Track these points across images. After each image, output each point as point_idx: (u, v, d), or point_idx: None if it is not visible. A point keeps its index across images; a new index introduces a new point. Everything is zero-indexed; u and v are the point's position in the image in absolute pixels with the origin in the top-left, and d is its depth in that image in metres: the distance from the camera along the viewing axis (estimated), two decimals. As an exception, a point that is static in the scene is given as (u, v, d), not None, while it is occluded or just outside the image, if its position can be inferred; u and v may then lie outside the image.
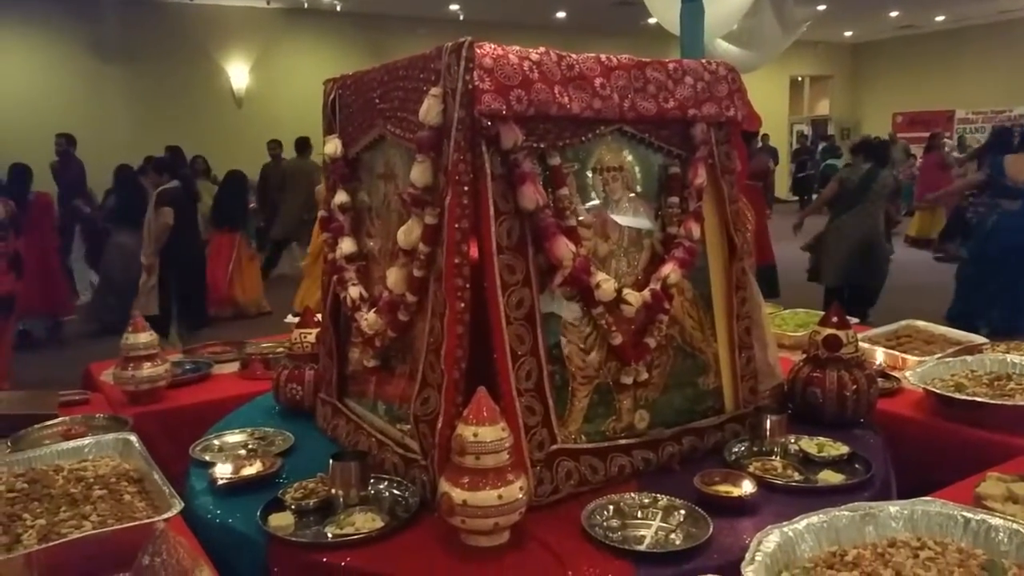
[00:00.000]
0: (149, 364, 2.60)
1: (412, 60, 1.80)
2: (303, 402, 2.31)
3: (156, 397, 2.63)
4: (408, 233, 1.73)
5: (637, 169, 1.94)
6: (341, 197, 2.07)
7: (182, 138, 11.49)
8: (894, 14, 18.38)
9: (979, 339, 2.80)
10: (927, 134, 14.94)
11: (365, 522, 1.63)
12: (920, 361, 2.56)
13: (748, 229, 2.22)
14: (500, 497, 1.50)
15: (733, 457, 1.92)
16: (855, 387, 2.13)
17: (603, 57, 1.86)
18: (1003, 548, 1.40)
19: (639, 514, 1.67)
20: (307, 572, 1.57)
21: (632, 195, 1.93)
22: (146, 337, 2.61)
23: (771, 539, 1.41)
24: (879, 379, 2.51)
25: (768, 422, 1.96)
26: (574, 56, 1.80)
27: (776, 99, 21.89)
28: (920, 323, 3.01)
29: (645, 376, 1.90)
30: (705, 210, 2.06)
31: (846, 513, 1.51)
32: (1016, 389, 2.26)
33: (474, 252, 1.67)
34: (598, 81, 1.81)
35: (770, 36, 15.44)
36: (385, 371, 1.98)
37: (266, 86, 14.80)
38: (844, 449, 1.92)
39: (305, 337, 2.36)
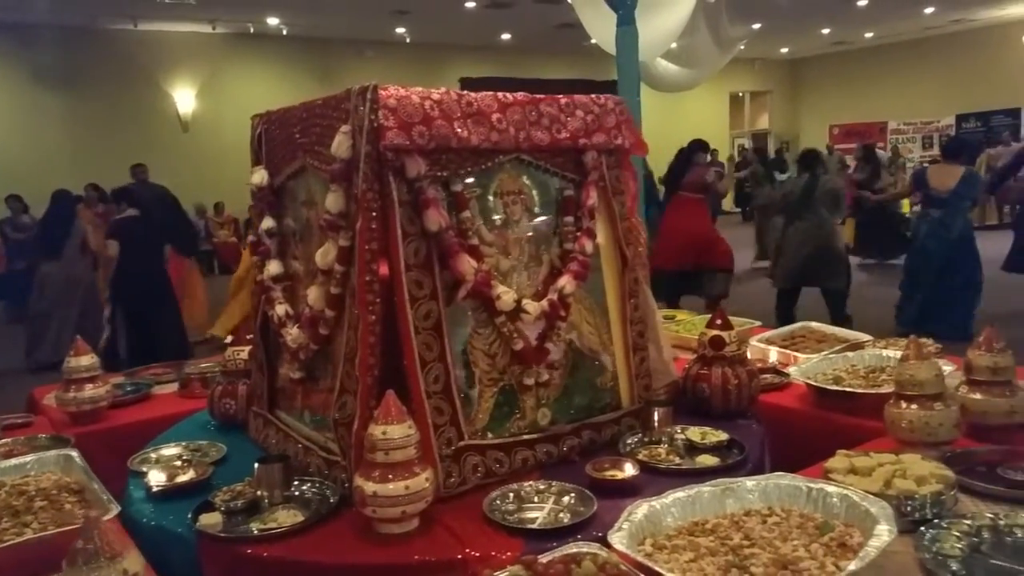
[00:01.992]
0: (91, 386, 2.73)
1: (327, 100, 2.00)
2: (236, 416, 2.47)
3: (97, 417, 2.76)
4: (325, 255, 1.93)
5: (535, 192, 2.16)
6: (268, 223, 2.25)
7: (127, 162, 11.51)
8: (826, 31, 19.09)
9: (865, 337, 3.07)
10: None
11: (287, 518, 1.81)
12: (807, 358, 2.81)
13: (641, 243, 2.45)
14: (407, 488, 1.69)
15: (627, 447, 2.14)
16: (737, 382, 2.37)
17: (500, 95, 2.08)
18: (836, 511, 1.63)
19: (536, 498, 1.87)
20: (235, 565, 1.74)
21: (531, 216, 2.15)
22: (87, 360, 2.75)
23: (639, 511, 1.63)
24: (772, 375, 2.77)
25: (656, 414, 2.19)
26: (473, 95, 2.02)
27: (717, 114, 22.52)
28: (814, 324, 3.29)
29: (546, 377, 2.11)
30: (599, 228, 2.29)
31: (708, 488, 1.74)
32: (887, 380, 2.51)
33: (385, 270, 1.87)
34: (495, 116, 2.03)
35: (707, 54, 15.90)
36: (310, 382, 2.16)
37: (212, 110, 14.88)
38: (724, 436, 2.15)
39: (238, 354, 2.53)
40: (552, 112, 2.16)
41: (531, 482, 1.93)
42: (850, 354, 2.78)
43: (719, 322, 2.45)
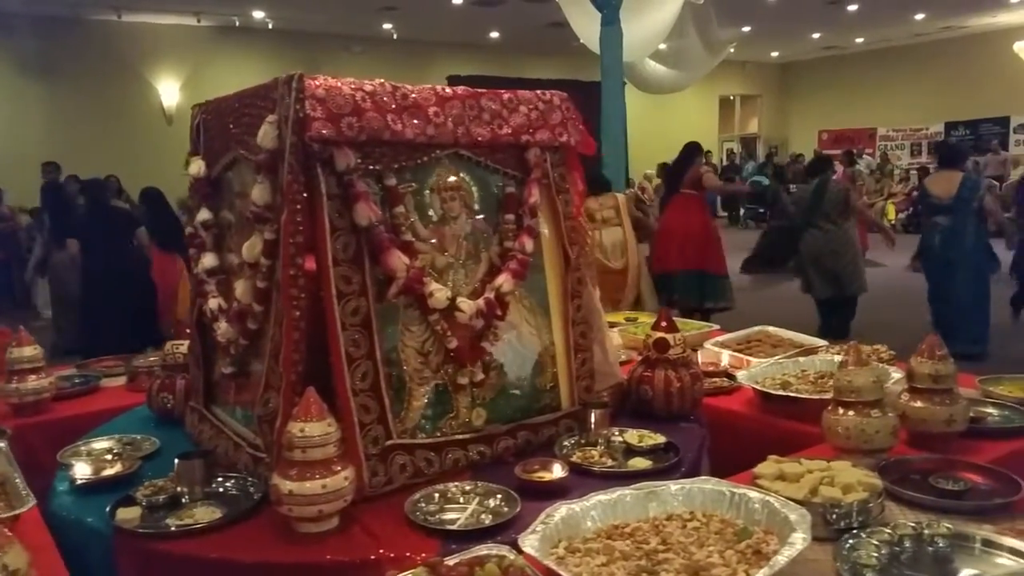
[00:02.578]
0: (34, 377, 2.68)
1: (257, 89, 1.96)
2: (174, 410, 2.44)
3: (40, 409, 2.71)
4: (251, 248, 1.90)
5: (475, 189, 2.13)
6: (204, 215, 2.21)
7: (111, 155, 11.46)
8: (816, 35, 19.12)
9: (819, 342, 3.05)
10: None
11: (205, 514, 1.78)
12: (759, 362, 2.79)
13: (587, 244, 2.42)
14: (324, 487, 1.66)
15: (563, 449, 2.11)
16: (679, 384, 2.34)
17: (439, 88, 2.05)
18: (757, 516, 1.61)
19: (461, 499, 1.84)
20: (150, 561, 1.71)
21: (470, 212, 2.12)
22: (30, 351, 2.70)
23: (557, 514, 1.60)
24: (722, 379, 2.75)
25: (593, 416, 2.17)
26: (409, 87, 1.98)
27: (706, 117, 22.54)
28: (771, 328, 3.26)
29: (481, 377, 2.08)
30: (542, 226, 2.26)
31: (631, 492, 1.71)
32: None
33: (312, 265, 1.83)
34: (432, 110, 2.00)
35: (696, 57, 15.86)
36: (242, 377, 2.12)
37: (198, 103, 14.77)
38: (661, 439, 2.13)
39: (177, 348, 2.49)
40: (494, 107, 2.13)
41: (457, 483, 1.89)
42: (802, 359, 2.76)
43: (664, 324, 2.43)
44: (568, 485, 1.88)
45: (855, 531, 1.60)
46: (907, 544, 1.55)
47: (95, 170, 9.46)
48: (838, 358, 2.67)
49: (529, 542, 1.47)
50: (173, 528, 1.75)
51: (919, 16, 16.85)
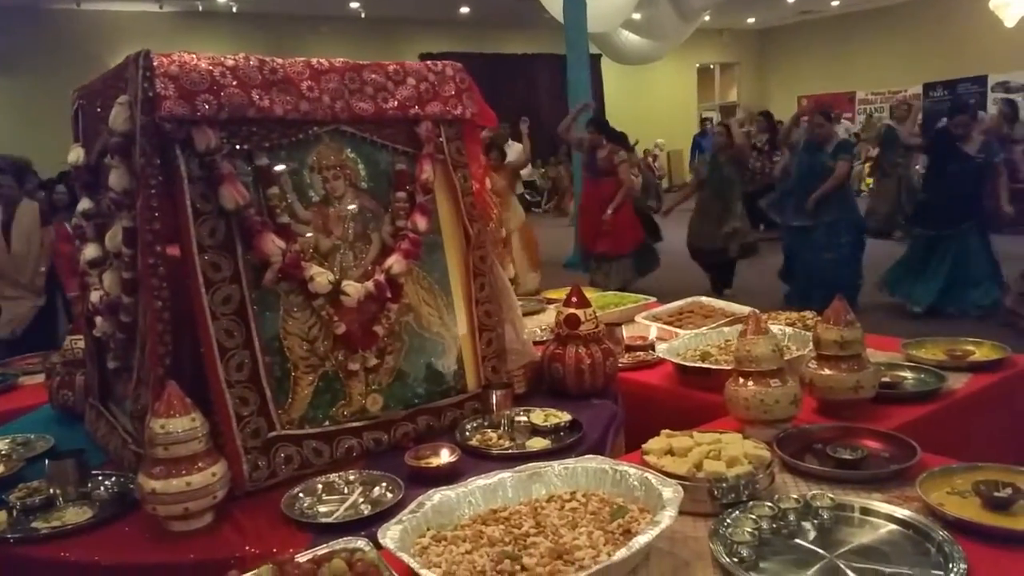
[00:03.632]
0: (-57, 376, 2.61)
1: (115, 69, 1.87)
2: (76, 407, 2.36)
3: (-49, 409, 2.64)
4: (113, 237, 1.82)
5: (361, 166, 2.04)
6: (85, 204, 2.12)
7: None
8: (791, 0, 18.94)
9: (747, 310, 2.98)
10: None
11: (75, 516, 1.71)
12: (684, 334, 2.72)
13: (492, 219, 2.35)
14: (189, 484, 1.59)
15: (464, 432, 2.04)
16: (590, 361, 2.27)
17: (314, 61, 1.95)
18: (636, 494, 1.55)
19: (345, 490, 1.77)
20: (14, 565, 1.64)
21: (357, 191, 2.03)
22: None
23: (429, 502, 1.54)
24: (646, 352, 2.69)
25: (494, 397, 2.10)
26: (280, 61, 1.89)
27: (684, 87, 22.38)
28: (704, 299, 3.20)
29: (374, 362, 2.00)
30: (440, 203, 2.18)
31: (513, 474, 1.65)
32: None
33: (175, 252, 1.75)
34: (305, 84, 1.90)
35: (670, 25, 15.67)
36: (125, 372, 2.04)
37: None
38: (566, 417, 2.06)
39: (76, 343, 2.41)
40: (378, 80, 2.04)
41: (342, 473, 1.83)
42: (726, 329, 2.69)
43: (575, 300, 2.35)
44: (462, 469, 1.82)
45: (738, 506, 1.54)
46: (791, 518, 1.50)
47: (57, 163, 9.28)
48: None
49: (389, 534, 1.41)
50: (43, 531, 1.68)
51: (892, -24, 16.70)
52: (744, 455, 1.65)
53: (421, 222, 2.07)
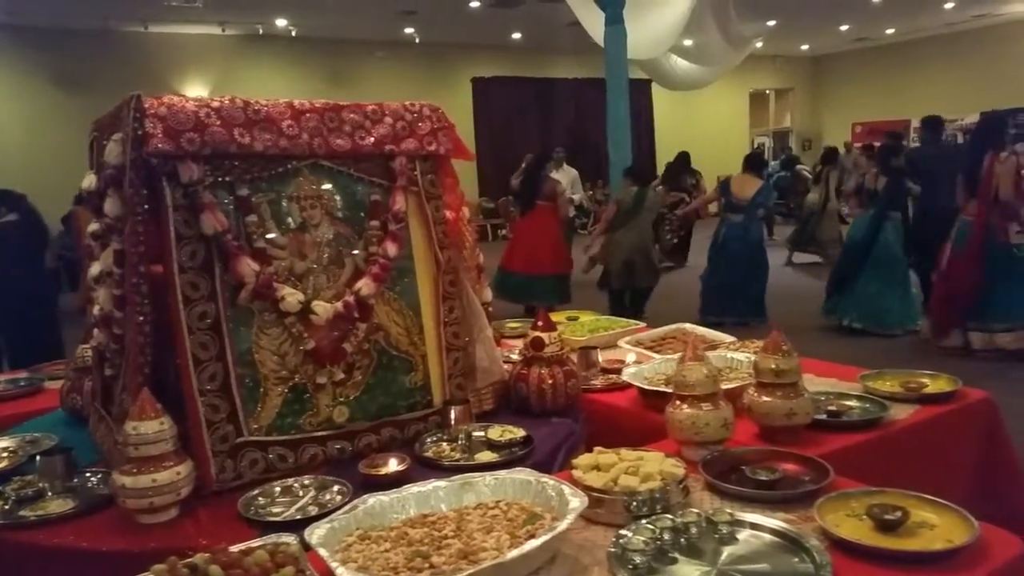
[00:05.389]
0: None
1: (116, 108, 2.09)
2: (84, 411, 2.58)
3: (-18, 409, 2.90)
4: (106, 257, 2.04)
5: (338, 197, 2.23)
6: (93, 226, 2.35)
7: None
8: (844, 28, 18.86)
9: (727, 339, 3.09)
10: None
11: (59, 507, 1.91)
12: (661, 358, 2.84)
13: (466, 247, 2.51)
14: (154, 480, 1.78)
15: (423, 445, 2.20)
16: (552, 382, 2.42)
17: (296, 102, 2.15)
18: (552, 503, 1.69)
19: (300, 493, 1.95)
20: (4, 549, 1.84)
21: (333, 219, 2.22)
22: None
23: (363, 504, 1.70)
24: (617, 375, 2.81)
25: (453, 413, 2.26)
26: (263, 102, 2.10)
27: (736, 112, 22.35)
28: (688, 326, 3.31)
29: (341, 376, 2.18)
30: (413, 231, 2.36)
31: (446, 483, 1.80)
32: (721, 380, 2.54)
33: (159, 271, 1.96)
34: (286, 123, 2.11)
35: (720, 52, 15.69)
36: (118, 380, 2.26)
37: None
38: (521, 433, 2.21)
39: (86, 352, 2.64)
40: (356, 119, 2.23)
41: (299, 478, 2.00)
42: (696, 356, 2.79)
43: (541, 324, 2.51)
44: (410, 478, 1.97)
45: (649, 518, 1.67)
46: (692, 531, 1.62)
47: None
48: (735, 355, 2.75)
49: (316, 531, 1.57)
50: (29, 519, 1.88)
51: (948, 5, 16.51)
52: (659, 472, 1.78)
53: (392, 248, 2.25)
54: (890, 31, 19.41)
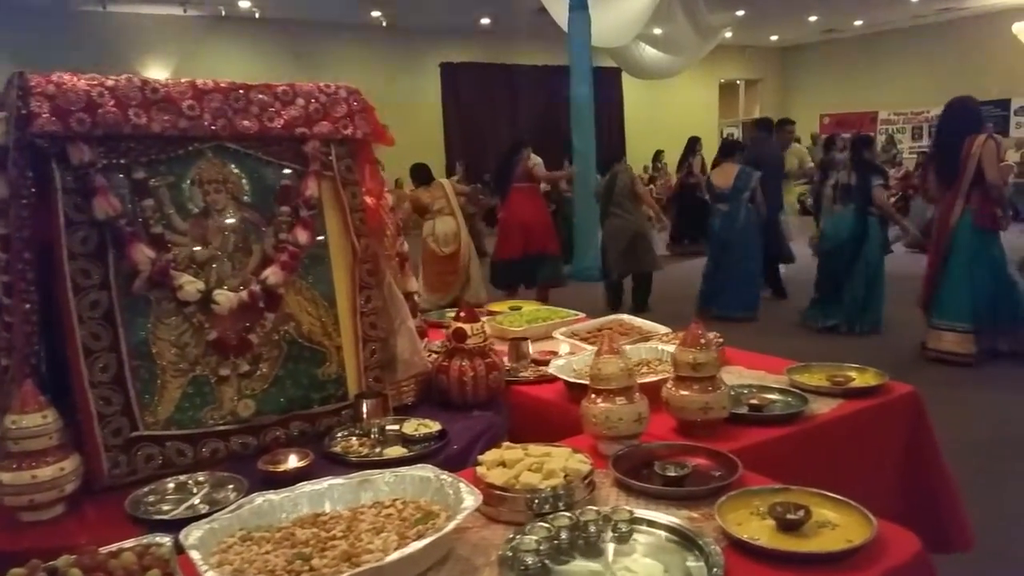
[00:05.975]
0: None
1: (7, 87, 1.99)
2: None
3: None
4: (-7, 243, 1.93)
5: (245, 181, 2.15)
6: None
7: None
8: (813, 18, 18.90)
9: (663, 330, 3.04)
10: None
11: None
12: (589, 350, 2.79)
13: (386, 235, 2.44)
14: (34, 477, 1.70)
15: (333, 439, 2.13)
16: (473, 374, 2.36)
17: (199, 82, 2.06)
18: (449, 501, 1.62)
19: (195, 490, 1.87)
20: None
21: (240, 204, 2.14)
22: None
23: (251, 503, 1.62)
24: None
25: (365, 406, 2.19)
26: (163, 81, 2.01)
27: (706, 103, 22.36)
28: (625, 317, 3.26)
29: (246, 368, 2.10)
30: (328, 218, 2.28)
31: (342, 481, 1.73)
32: (648, 372, 2.50)
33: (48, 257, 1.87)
34: (187, 103, 2.02)
35: (688, 42, 15.65)
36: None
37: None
38: (436, 427, 2.15)
39: None
40: (264, 100, 2.15)
41: (193, 474, 1.92)
42: (628, 347, 2.75)
43: (463, 315, 2.44)
44: (313, 474, 1.89)
45: (548, 516, 1.61)
46: (591, 529, 1.57)
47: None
48: (663, 346, 2.69)
49: (192, 532, 1.49)
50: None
51: (914, -2, 16.61)
52: (564, 468, 1.72)
53: (302, 236, 2.17)
54: (858, 23, 19.49)
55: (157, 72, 14.78)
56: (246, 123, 2.10)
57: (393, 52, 17.13)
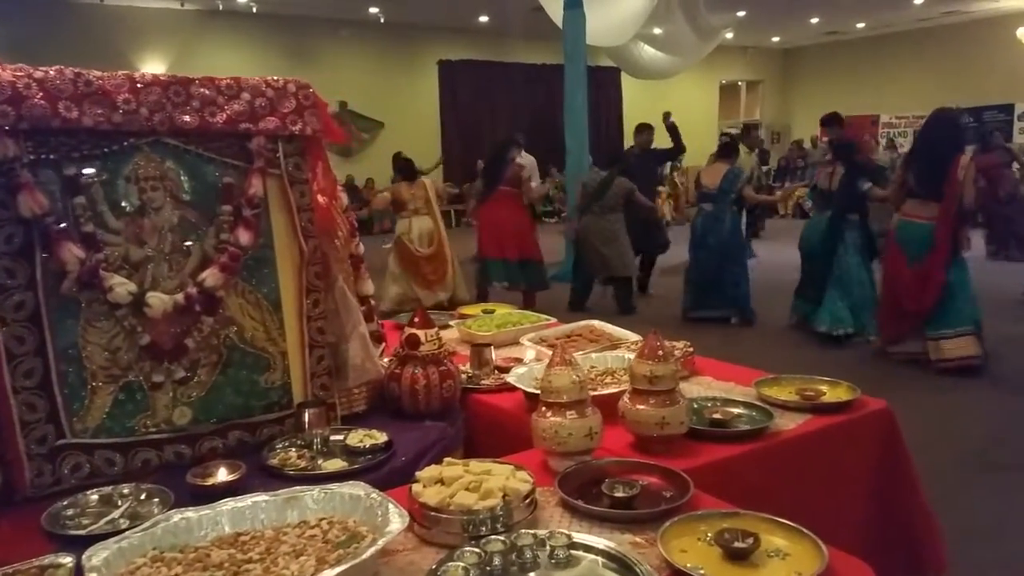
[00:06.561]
0: None
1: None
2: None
3: None
4: (-90, 240, 1.84)
5: (184, 178, 2.05)
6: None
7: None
8: (815, 20, 18.80)
9: (634, 337, 2.94)
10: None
11: None
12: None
13: (338, 236, 2.34)
14: (-60, 487, 1.61)
15: (272, 450, 2.03)
16: (425, 382, 2.26)
17: (136, 74, 1.97)
18: (378, 522, 1.53)
19: (119, 503, 1.78)
20: None
21: (178, 203, 2.04)
22: None
23: (168, 521, 1.53)
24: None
25: (307, 416, 2.09)
26: (98, 74, 1.91)
27: (705, 103, 22.23)
28: (596, 323, 3.16)
29: (182, 374, 2.01)
30: (275, 218, 2.18)
31: (267, 498, 1.63)
32: (611, 383, 2.40)
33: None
34: (122, 96, 1.92)
35: (687, 42, 15.56)
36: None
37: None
38: (383, 438, 2.05)
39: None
40: (206, 94, 2.05)
41: (118, 486, 1.83)
42: (594, 355, 2.65)
43: (417, 320, 2.34)
44: (245, 488, 1.81)
45: (481, 540, 1.52)
46: (526, 554, 1.47)
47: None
48: (629, 355, 2.59)
49: (98, 553, 1.40)
50: None
51: (918, 0, 16.47)
52: (503, 488, 1.62)
53: (244, 236, 2.08)
54: (860, 25, 19.38)
55: (152, 67, 14.70)
56: (186, 118, 2.01)
57: (390, 48, 17.05)
